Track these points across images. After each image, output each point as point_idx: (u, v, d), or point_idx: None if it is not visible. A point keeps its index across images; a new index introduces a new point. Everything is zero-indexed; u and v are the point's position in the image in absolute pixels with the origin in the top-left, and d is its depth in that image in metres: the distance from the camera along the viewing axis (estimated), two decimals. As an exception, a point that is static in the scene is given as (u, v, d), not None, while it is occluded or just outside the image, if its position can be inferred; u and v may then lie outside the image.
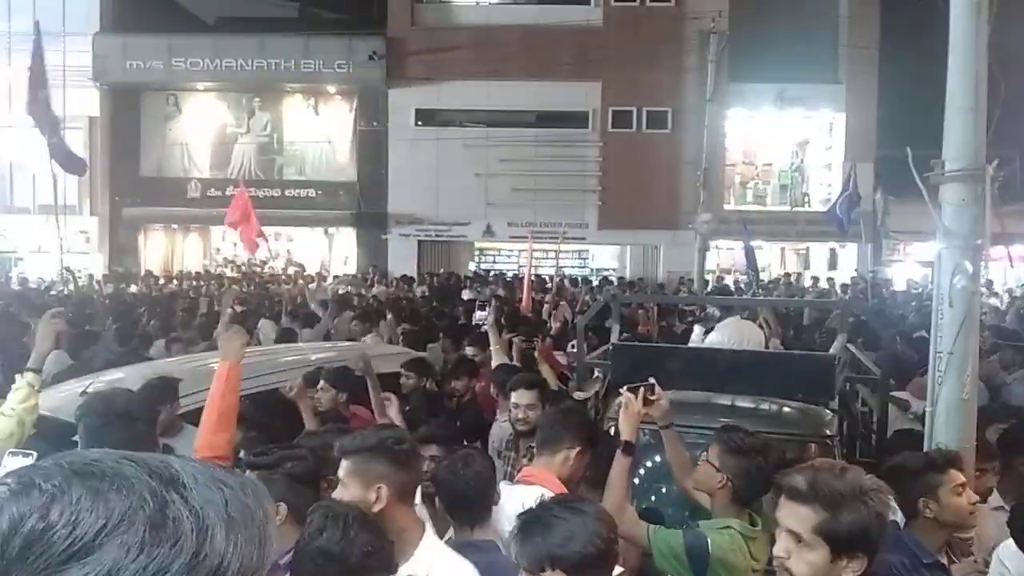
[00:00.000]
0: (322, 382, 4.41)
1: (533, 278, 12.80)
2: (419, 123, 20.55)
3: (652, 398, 2.91)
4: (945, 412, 3.43)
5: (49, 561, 0.59)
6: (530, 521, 1.93)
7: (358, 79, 20.32)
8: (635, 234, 20.38)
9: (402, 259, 20.33)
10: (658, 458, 3.68)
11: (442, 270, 19.38)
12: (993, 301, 14.50)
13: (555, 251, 17.40)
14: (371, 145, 20.77)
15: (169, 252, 22.46)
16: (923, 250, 19.33)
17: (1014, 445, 3.67)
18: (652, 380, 2.93)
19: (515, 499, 2.62)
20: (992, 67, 3.33)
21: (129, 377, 4.21)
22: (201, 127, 21.35)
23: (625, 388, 2.92)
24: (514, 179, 20.11)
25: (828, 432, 4.03)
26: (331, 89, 21.12)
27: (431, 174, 20.30)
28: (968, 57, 3.23)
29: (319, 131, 21.26)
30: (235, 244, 23.33)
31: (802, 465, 1.97)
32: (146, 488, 0.64)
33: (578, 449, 2.71)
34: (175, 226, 22.39)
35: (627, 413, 2.81)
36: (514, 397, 3.80)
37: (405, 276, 17.94)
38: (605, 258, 21.84)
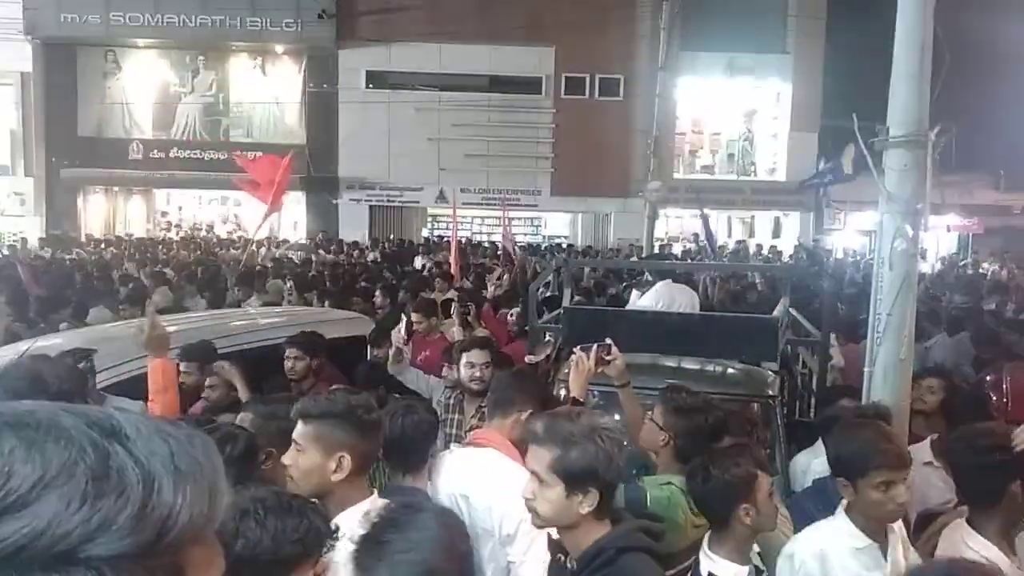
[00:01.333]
0: (293, 350, 4.28)
1: (491, 244, 12.77)
2: (370, 85, 20.14)
3: (608, 358, 2.96)
4: (883, 371, 3.57)
5: None
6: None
7: (307, 39, 19.75)
8: (586, 201, 20.50)
9: (353, 225, 20.05)
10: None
11: (393, 236, 19.21)
12: (923, 268, 15.12)
13: (507, 218, 17.37)
14: (321, 107, 20.29)
15: (111, 215, 21.67)
16: (862, 219, 19.96)
17: (958, 411, 3.83)
18: (609, 340, 2.96)
19: (467, 460, 2.66)
20: (938, 35, 3.42)
21: (61, 344, 4.09)
22: (143, 85, 20.51)
23: (578, 348, 2.97)
24: (467, 144, 19.94)
25: (770, 392, 4.17)
26: (279, 49, 20.49)
27: (382, 138, 19.97)
28: (915, 25, 3.31)
29: (267, 92, 20.65)
30: (180, 208, 22.73)
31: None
32: (86, 438, 0.59)
33: (529, 412, 2.73)
34: (116, 188, 21.59)
35: (577, 371, 2.86)
36: (468, 357, 3.81)
37: (355, 243, 17.72)
38: (557, 225, 21.93)
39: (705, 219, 12.97)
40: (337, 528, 1.76)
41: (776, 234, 21.56)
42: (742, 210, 22.03)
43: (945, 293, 10.06)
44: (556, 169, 20.36)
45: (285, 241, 18.42)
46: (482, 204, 20.75)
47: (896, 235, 3.31)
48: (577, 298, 6.84)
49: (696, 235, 14.53)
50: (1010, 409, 4.81)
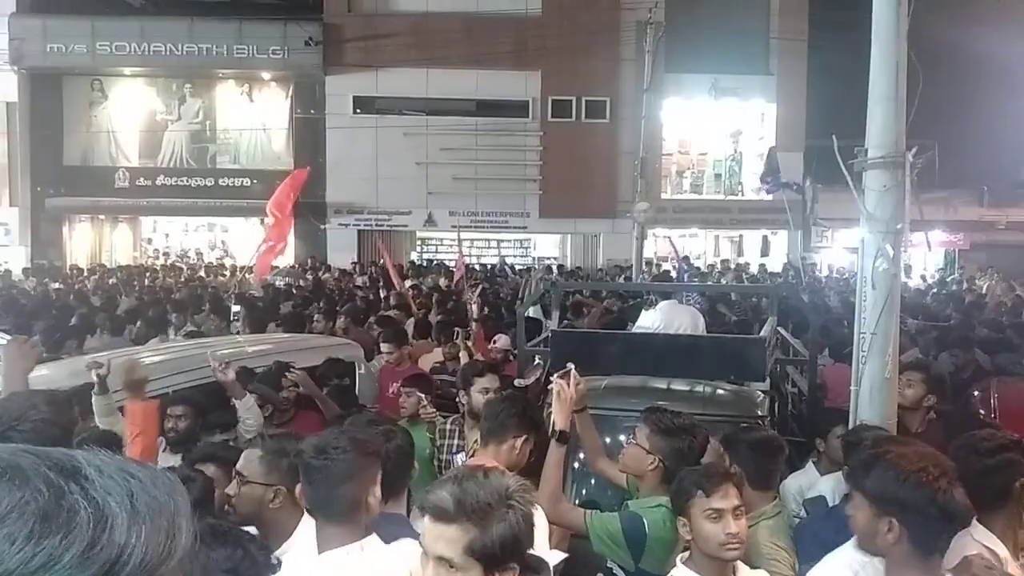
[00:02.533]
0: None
1: (480, 267, 12.78)
2: (357, 111, 20.23)
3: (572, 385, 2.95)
4: (869, 390, 3.57)
5: None
6: None
7: (294, 65, 19.86)
8: (575, 223, 20.57)
9: (342, 249, 20.03)
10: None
11: (380, 260, 19.18)
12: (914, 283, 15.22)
13: (496, 240, 17.47)
14: (308, 133, 20.35)
15: (96, 244, 21.57)
16: (849, 236, 20.11)
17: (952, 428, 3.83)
18: (571, 365, 2.93)
19: None
20: (912, 58, 3.46)
21: (55, 375, 4.04)
22: (129, 114, 20.53)
23: (555, 376, 2.94)
24: (455, 168, 20.03)
25: (760, 412, 4.15)
26: (266, 75, 20.59)
27: (370, 163, 20.03)
28: (889, 48, 3.35)
29: (254, 118, 20.70)
30: (167, 235, 22.66)
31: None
32: (41, 479, 0.61)
33: (524, 437, 2.71)
34: (102, 217, 21.51)
35: (559, 401, 2.81)
36: (481, 383, 3.81)
37: (344, 270, 17.69)
38: (547, 246, 21.99)
39: (671, 242, 13.12)
40: (278, 561, 1.71)
41: (764, 252, 21.69)
42: (730, 229, 22.18)
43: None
44: (544, 191, 20.45)
45: (275, 267, 18.33)
46: (471, 227, 20.79)
47: (877, 255, 3.32)
48: (566, 321, 6.84)
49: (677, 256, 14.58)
50: (996, 421, 4.82)
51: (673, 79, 19.90)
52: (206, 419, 3.73)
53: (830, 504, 3.39)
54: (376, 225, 20.67)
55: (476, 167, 20.10)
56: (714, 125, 21.13)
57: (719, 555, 2.29)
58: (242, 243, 21.81)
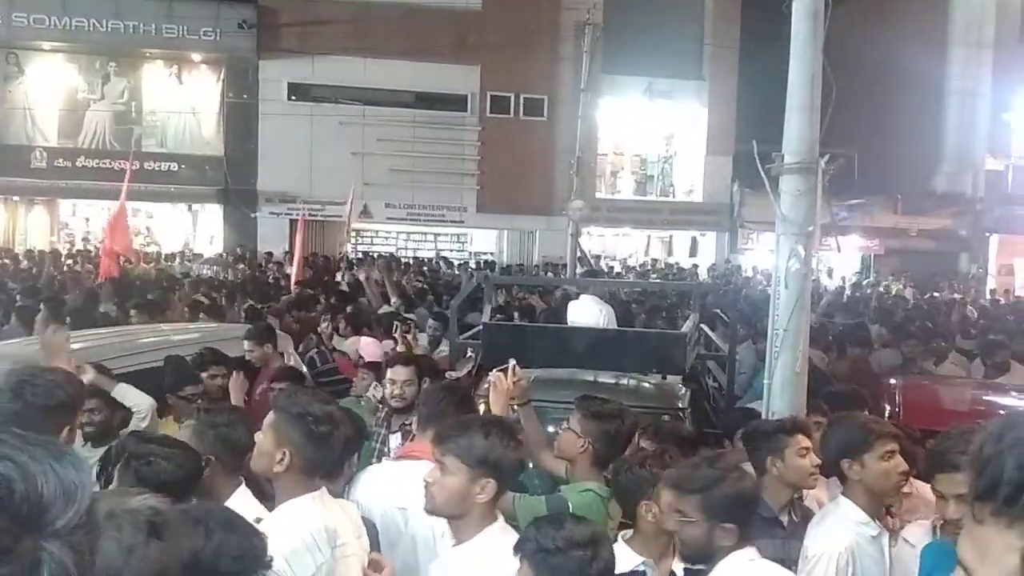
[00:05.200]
0: (246, 343, 4.66)
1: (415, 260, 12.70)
2: (292, 98, 19.81)
3: (513, 379, 3.04)
4: (780, 384, 3.77)
5: None
6: None
7: (226, 48, 19.27)
8: (512, 219, 20.70)
9: (273, 239, 19.58)
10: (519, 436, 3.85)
11: (314, 251, 18.88)
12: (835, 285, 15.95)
13: (433, 234, 17.44)
14: (240, 118, 19.80)
15: (10, 227, 20.45)
16: (772, 239, 20.88)
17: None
18: (513, 361, 3.05)
19: (402, 474, 2.70)
20: (827, 69, 3.67)
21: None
22: (47, 91, 19.50)
23: (495, 370, 3.03)
24: (392, 159, 19.86)
25: (680, 405, 4.34)
26: (196, 57, 19.90)
27: (304, 151, 19.65)
28: (806, 59, 3.55)
29: (183, 101, 20.00)
30: (87, 220, 21.68)
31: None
32: None
33: None
34: (16, 199, 20.40)
35: (497, 392, 2.94)
36: (390, 374, 3.81)
37: (269, 254, 17.35)
38: (483, 242, 22.06)
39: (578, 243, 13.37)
40: (271, 558, 1.78)
41: (693, 253, 22.32)
42: (661, 229, 22.72)
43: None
44: (482, 186, 20.50)
45: (199, 256, 17.83)
46: (407, 220, 20.68)
47: (791, 255, 3.51)
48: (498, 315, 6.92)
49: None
50: (902, 419, 5.14)
51: (609, 80, 20.25)
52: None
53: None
54: (309, 215, 20.30)
55: (413, 159, 19.98)
56: (648, 127, 21.59)
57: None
58: (168, 230, 21.11)
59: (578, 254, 13.35)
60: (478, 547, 2.09)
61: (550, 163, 20.39)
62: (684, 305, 8.07)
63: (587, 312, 5.60)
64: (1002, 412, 4.00)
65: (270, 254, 17.61)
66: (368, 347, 5.28)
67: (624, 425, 2.91)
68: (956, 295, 15.99)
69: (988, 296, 17.59)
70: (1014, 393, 5.38)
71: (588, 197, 19.32)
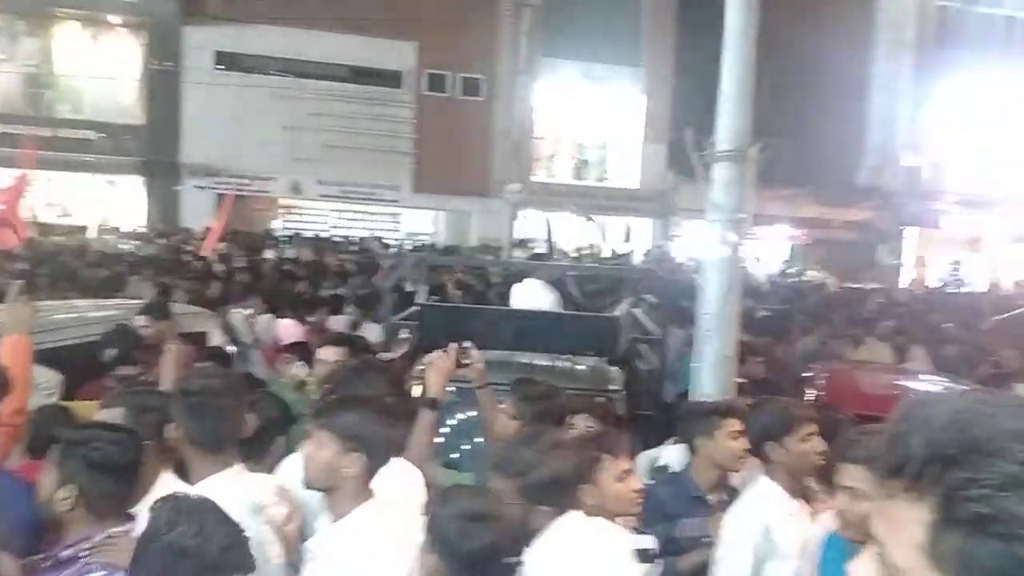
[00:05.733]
0: (141, 319, 4.27)
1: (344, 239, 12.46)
2: (219, 67, 19.03)
3: (466, 362, 3.02)
4: (710, 366, 3.86)
5: None
6: None
7: (147, 12, 18.36)
8: (449, 199, 20.53)
9: (197, 214, 18.85)
10: (460, 416, 3.83)
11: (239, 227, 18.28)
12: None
13: (367, 213, 17.14)
14: (162, 87, 18.90)
15: (-95, 194, 19.05)
16: (706, 226, 21.38)
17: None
18: (468, 343, 3.05)
19: None
20: (759, 61, 3.74)
21: None
22: (-52, 49, 18.19)
23: (449, 348, 3.03)
24: (324, 135, 19.37)
25: (614, 387, 4.38)
26: (115, 20, 18.87)
27: (232, 123, 18.93)
28: (739, 50, 3.60)
29: (100, 66, 18.96)
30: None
31: None
32: None
33: None
34: (-88, 164, 19.00)
35: (436, 370, 2.92)
36: (320, 354, 3.73)
37: (185, 229, 16.68)
38: (419, 223, 21.81)
39: (548, 225, 13.43)
40: (254, 566, 1.81)
41: (627, 239, 22.63)
42: (595, 215, 22.92)
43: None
44: (417, 165, 20.23)
45: (116, 229, 17.04)
46: (340, 197, 20.24)
47: (720, 241, 3.58)
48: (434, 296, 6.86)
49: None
50: (829, 404, 5.35)
51: (548, 63, 20.23)
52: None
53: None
54: (236, 190, 19.63)
55: (347, 136, 19.54)
56: (585, 112, 21.70)
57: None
58: (84, 201, 20.05)
59: (546, 238, 13.33)
60: (353, 523, 2.11)
61: (487, 144, 20.28)
62: (620, 290, 8.18)
63: (532, 295, 5.60)
64: (900, 393, 4.20)
65: (187, 230, 16.86)
66: (288, 329, 5.15)
67: (556, 406, 2.92)
68: (873, 285, 16.73)
69: (904, 286, 18.47)
70: (922, 377, 5.69)
71: (525, 180, 19.33)
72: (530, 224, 21.53)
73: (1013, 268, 22.40)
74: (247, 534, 1.82)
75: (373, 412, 2.18)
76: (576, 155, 22.56)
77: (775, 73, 4.13)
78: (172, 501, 1.80)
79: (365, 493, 2.15)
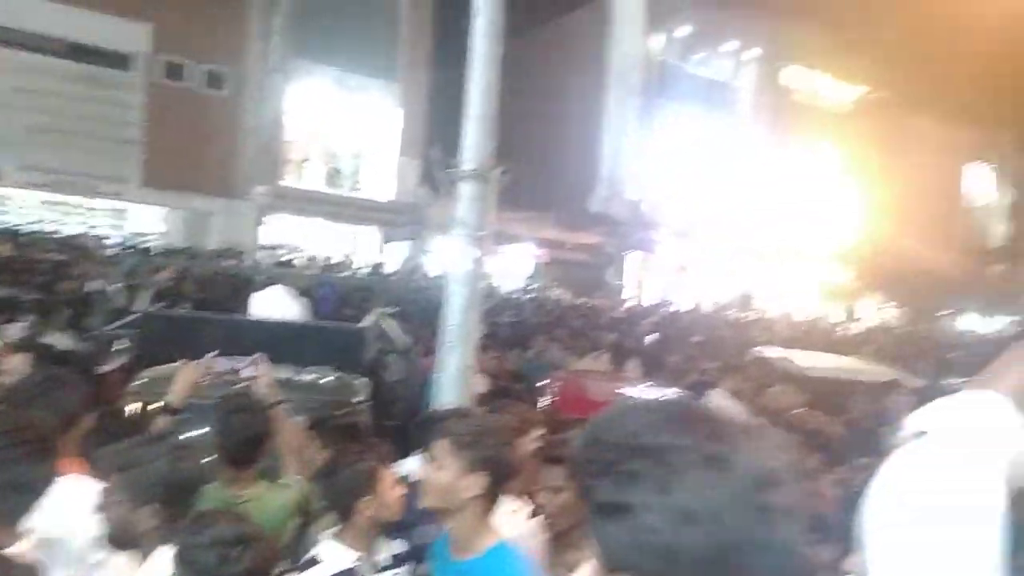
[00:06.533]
0: None
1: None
2: None
3: (253, 375, 3.03)
4: (450, 377, 3.98)
5: None
6: None
7: None
8: (186, 198, 18.88)
9: None
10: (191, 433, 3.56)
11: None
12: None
13: (86, 208, 15.13)
14: None
15: None
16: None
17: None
18: (260, 354, 3.06)
19: None
20: (504, 89, 3.97)
21: None
22: None
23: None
24: (33, 116, 16.78)
25: (360, 399, 4.34)
26: None
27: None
28: (484, 74, 3.80)
29: None
30: None
31: None
32: None
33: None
34: None
35: (183, 380, 2.94)
36: (2, 364, 3.23)
37: None
38: (149, 221, 19.74)
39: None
40: None
41: (381, 250, 22.61)
42: (349, 224, 22.59)
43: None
44: (149, 158, 18.34)
45: None
46: (49, 187, 17.62)
47: (464, 257, 3.73)
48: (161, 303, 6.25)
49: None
50: (560, 410, 5.79)
51: (301, 65, 19.62)
52: None
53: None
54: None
55: (61, 119, 17.12)
56: (341, 119, 21.35)
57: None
58: None
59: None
60: None
61: (233, 142, 19.04)
62: (371, 301, 8.14)
63: (275, 304, 5.34)
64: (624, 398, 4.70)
65: None
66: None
67: (255, 420, 2.82)
68: (601, 302, 18.51)
69: (626, 304, 20.66)
70: (640, 385, 6.42)
71: (274, 183, 18.47)
72: (278, 229, 20.65)
73: (712, 291, 26.27)
74: None
75: None
76: (329, 162, 22.09)
77: (523, 103, 4.44)
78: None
79: None
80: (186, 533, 1.89)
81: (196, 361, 2.99)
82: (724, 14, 25.65)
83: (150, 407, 3.64)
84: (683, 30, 25.11)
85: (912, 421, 0.87)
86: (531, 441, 2.83)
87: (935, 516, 0.76)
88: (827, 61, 27.81)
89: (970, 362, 10.55)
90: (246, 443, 2.72)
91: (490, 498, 2.15)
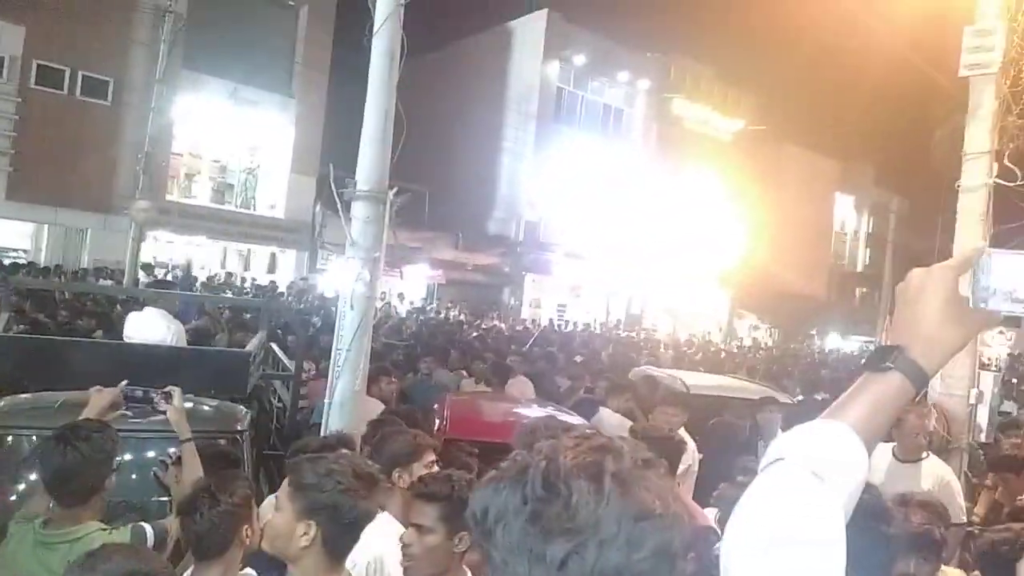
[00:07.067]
0: None
1: None
2: None
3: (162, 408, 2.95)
4: (340, 402, 3.88)
5: None
6: None
7: None
8: (56, 212, 17.61)
9: None
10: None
11: None
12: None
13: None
14: None
15: None
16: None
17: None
18: (170, 388, 2.98)
19: None
20: (399, 109, 3.95)
21: None
22: None
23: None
24: None
25: (240, 427, 4.14)
26: None
27: None
28: (381, 95, 3.78)
29: None
30: None
31: None
32: None
33: None
34: None
35: (93, 405, 2.88)
36: None
37: None
38: (14, 236, 18.26)
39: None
40: None
41: (271, 269, 21.84)
42: (239, 242, 21.72)
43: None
44: (16, 169, 17.00)
45: None
46: None
47: (357, 278, 3.66)
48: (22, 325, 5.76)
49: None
50: (448, 430, 5.73)
51: (191, 77, 18.78)
52: None
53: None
54: None
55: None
56: (232, 134, 20.57)
57: None
58: None
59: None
60: None
61: (112, 154, 17.93)
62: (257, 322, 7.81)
63: (150, 327, 5.03)
64: (513, 420, 4.74)
65: None
66: None
67: (102, 451, 2.60)
68: (497, 322, 18.61)
69: (522, 324, 20.87)
70: (532, 405, 6.45)
71: (157, 198, 17.52)
72: (160, 247, 19.56)
73: (604, 311, 26.97)
74: None
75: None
76: (219, 177, 21.21)
77: (422, 126, 4.43)
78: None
79: None
80: (82, 568, 1.75)
81: (109, 389, 2.87)
82: (618, 47, 26.66)
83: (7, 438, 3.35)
84: (579, 59, 25.87)
85: (772, 448, 0.92)
86: (424, 467, 2.79)
87: (784, 541, 0.80)
88: (708, 96, 29.46)
89: (835, 378, 11.34)
90: (72, 480, 2.44)
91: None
